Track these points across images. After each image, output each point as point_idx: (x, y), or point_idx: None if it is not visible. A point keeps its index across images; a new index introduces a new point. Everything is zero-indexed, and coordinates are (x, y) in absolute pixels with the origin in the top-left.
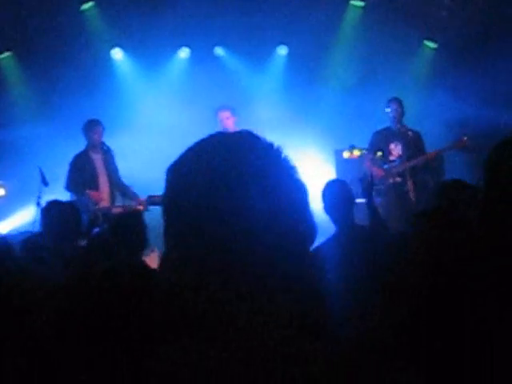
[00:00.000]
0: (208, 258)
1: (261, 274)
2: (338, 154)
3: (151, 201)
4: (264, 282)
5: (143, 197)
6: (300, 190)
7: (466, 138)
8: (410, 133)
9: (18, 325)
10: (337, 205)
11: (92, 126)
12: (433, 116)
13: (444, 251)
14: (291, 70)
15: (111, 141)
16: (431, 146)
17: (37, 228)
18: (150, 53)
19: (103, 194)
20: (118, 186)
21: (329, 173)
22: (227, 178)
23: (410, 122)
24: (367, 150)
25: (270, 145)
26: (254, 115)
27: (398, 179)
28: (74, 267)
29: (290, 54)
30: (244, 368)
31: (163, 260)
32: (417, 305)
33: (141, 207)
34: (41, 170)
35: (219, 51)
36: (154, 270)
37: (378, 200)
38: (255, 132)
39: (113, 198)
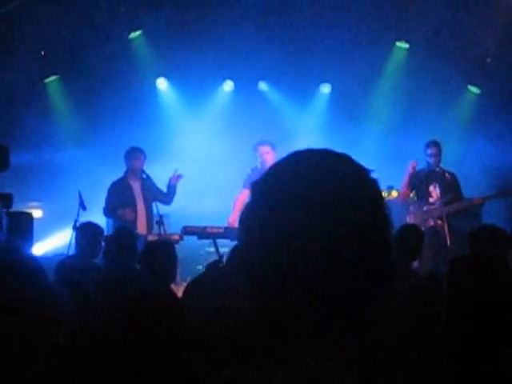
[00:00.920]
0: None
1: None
2: None
3: (186, 231)
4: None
5: (179, 227)
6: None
7: (507, 190)
8: (447, 175)
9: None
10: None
11: (134, 154)
12: (472, 161)
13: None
14: (333, 108)
15: (150, 169)
16: (468, 190)
17: (72, 251)
18: (194, 84)
19: (141, 219)
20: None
21: None
22: (317, 199)
23: (449, 165)
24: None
25: (365, 172)
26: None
27: (439, 222)
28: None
29: (332, 93)
30: None
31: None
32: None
33: (176, 237)
34: (80, 194)
35: (263, 86)
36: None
37: None
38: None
39: (150, 226)
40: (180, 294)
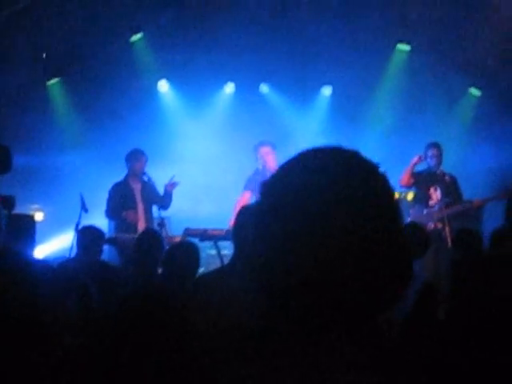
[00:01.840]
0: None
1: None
2: None
3: (188, 233)
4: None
5: (181, 229)
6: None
7: (507, 191)
8: (447, 177)
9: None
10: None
11: (136, 156)
12: (472, 163)
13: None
14: (334, 110)
15: (151, 171)
16: (469, 193)
17: (73, 254)
18: (195, 86)
19: (140, 222)
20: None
21: None
22: (330, 197)
23: (450, 167)
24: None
25: (376, 167)
26: (294, 153)
27: (440, 225)
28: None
29: (334, 95)
30: None
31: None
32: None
33: (178, 239)
34: (82, 197)
35: (264, 88)
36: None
37: None
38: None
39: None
40: None
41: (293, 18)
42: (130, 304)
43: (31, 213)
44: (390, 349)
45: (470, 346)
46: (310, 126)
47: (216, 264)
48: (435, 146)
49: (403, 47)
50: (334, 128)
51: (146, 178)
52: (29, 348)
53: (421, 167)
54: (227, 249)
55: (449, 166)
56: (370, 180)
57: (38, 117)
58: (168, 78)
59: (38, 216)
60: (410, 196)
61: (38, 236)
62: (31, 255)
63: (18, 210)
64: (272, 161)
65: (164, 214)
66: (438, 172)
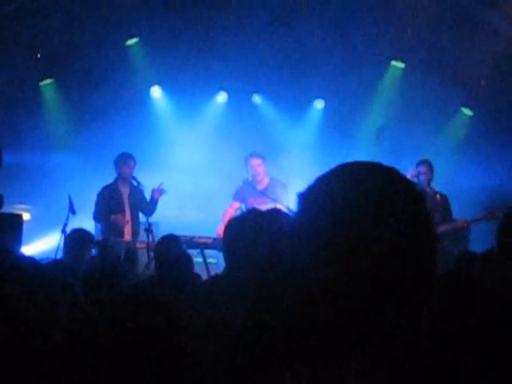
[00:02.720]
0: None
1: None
2: None
3: None
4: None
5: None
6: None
7: (493, 212)
8: (437, 196)
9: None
10: None
11: (124, 160)
12: (463, 182)
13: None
14: (326, 123)
15: (140, 176)
16: (458, 212)
17: (59, 255)
18: (188, 93)
19: (127, 226)
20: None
21: None
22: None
23: (440, 185)
24: None
25: (412, 185)
26: (284, 165)
27: None
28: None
29: (326, 109)
30: None
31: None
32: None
33: None
34: (70, 198)
35: (257, 99)
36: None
37: None
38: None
39: (135, 233)
40: None
41: (288, 30)
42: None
43: (18, 212)
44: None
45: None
46: (301, 138)
47: (202, 272)
48: (425, 163)
49: (397, 64)
50: (325, 142)
51: (135, 183)
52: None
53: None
54: (213, 257)
55: (438, 184)
56: (406, 196)
57: (30, 116)
58: (161, 84)
59: (25, 216)
60: None
61: (23, 236)
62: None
63: (5, 209)
64: (262, 172)
65: (151, 219)
66: (429, 190)
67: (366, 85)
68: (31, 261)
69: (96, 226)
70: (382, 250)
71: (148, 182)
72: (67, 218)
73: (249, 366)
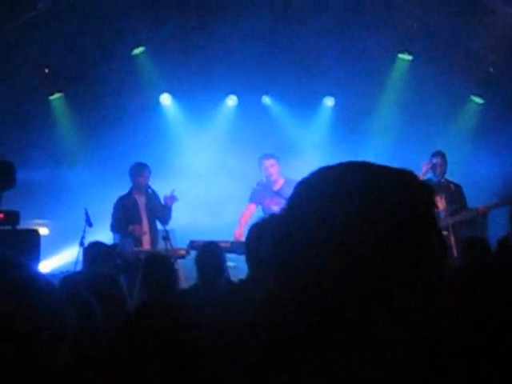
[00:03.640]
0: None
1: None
2: None
3: (193, 246)
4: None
5: (185, 242)
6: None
7: (498, 203)
8: (452, 186)
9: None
10: None
11: (139, 170)
12: (476, 170)
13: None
14: (337, 121)
15: (156, 185)
16: (473, 201)
17: (79, 268)
18: (197, 99)
19: (145, 235)
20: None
21: None
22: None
23: (453, 175)
24: None
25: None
26: (298, 165)
27: (445, 233)
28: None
29: (336, 106)
30: None
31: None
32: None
33: (183, 252)
34: (86, 211)
35: (266, 100)
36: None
37: None
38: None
39: (154, 241)
40: None
41: (294, 29)
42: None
43: (36, 228)
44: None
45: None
46: (313, 137)
47: None
48: (440, 154)
49: (405, 57)
50: (338, 139)
51: (150, 191)
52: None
53: (425, 177)
54: (232, 261)
55: (452, 174)
56: (389, 191)
57: (41, 132)
58: (170, 92)
59: (43, 231)
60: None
61: (42, 251)
62: (35, 269)
63: (23, 225)
64: (276, 173)
65: (168, 226)
66: (443, 181)
67: (374, 79)
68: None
69: (114, 237)
70: (370, 245)
71: (162, 189)
72: (84, 230)
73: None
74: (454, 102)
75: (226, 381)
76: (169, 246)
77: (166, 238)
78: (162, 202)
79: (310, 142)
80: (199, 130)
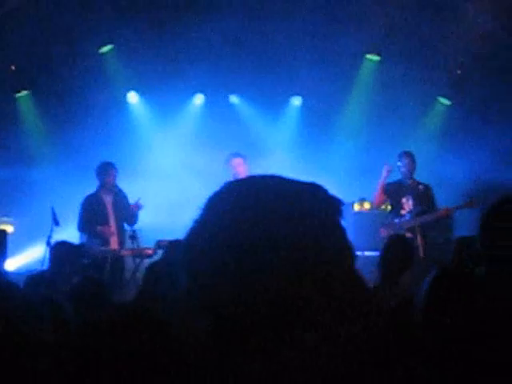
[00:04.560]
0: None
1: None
2: (347, 206)
3: (159, 245)
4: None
5: (152, 241)
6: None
7: (473, 200)
8: (420, 186)
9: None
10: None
11: (106, 169)
12: (444, 171)
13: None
14: (304, 120)
15: (123, 183)
16: (443, 200)
17: (45, 266)
18: (165, 97)
19: (113, 235)
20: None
21: None
22: (263, 218)
23: (421, 176)
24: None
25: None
26: (265, 164)
27: (409, 235)
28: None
29: (303, 105)
30: None
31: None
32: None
33: (150, 251)
34: (53, 210)
35: (234, 99)
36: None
37: None
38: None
39: (121, 241)
40: None
41: (262, 29)
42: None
43: (2, 227)
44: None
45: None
46: (280, 136)
47: None
48: (407, 154)
49: (372, 57)
50: (305, 138)
51: (117, 189)
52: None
53: (394, 177)
54: None
55: (420, 174)
56: (296, 203)
57: (7, 129)
58: (137, 90)
59: (8, 228)
60: (367, 205)
61: (8, 248)
62: (2, 268)
63: None
64: (243, 172)
65: (136, 226)
66: (411, 181)
67: (342, 79)
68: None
69: (81, 236)
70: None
71: (128, 188)
72: (51, 229)
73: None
74: (422, 103)
75: None
76: (136, 246)
77: (134, 237)
78: (130, 201)
79: (278, 142)
80: (166, 128)
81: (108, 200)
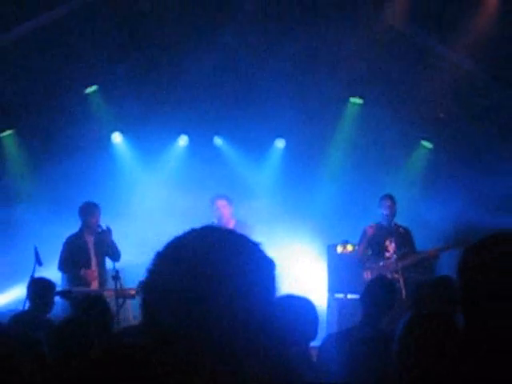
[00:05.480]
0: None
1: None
2: (331, 248)
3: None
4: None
5: (135, 282)
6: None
7: (454, 242)
8: (401, 229)
9: None
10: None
11: (90, 209)
12: (425, 214)
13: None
14: (288, 163)
15: (105, 223)
16: (422, 244)
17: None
18: (149, 138)
19: (95, 278)
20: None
21: (321, 267)
22: (203, 271)
23: (402, 218)
24: (359, 244)
25: (245, 241)
26: (249, 206)
27: (396, 275)
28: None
29: (287, 148)
30: None
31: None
32: None
33: (133, 291)
34: (36, 250)
35: (218, 141)
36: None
37: None
38: (246, 224)
39: (102, 282)
40: None
41: (246, 71)
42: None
43: None
44: None
45: None
46: (264, 179)
47: None
48: (389, 197)
49: (356, 101)
50: (289, 181)
51: (100, 229)
52: None
53: (375, 219)
54: None
55: (401, 217)
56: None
57: None
58: (122, 131)
59: None
60: (350, 247)
61: None
62: None
63: None
64: (228, 214)
65: (118, 266)
66: (392, 224)
67: (325, 122)
68: None
69: (62, 276)
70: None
71: (113, 229)
72: (34, 269)
73: None
74: (405, 146)
75: None
76: (119, 286)
77: (116, 277)
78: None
79: (262, 184)
80: (150, 169)
81: (90, 240)
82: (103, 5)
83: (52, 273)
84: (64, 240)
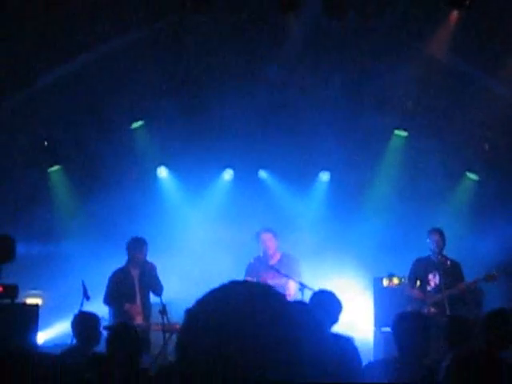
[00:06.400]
0: None
1: None
2: (377, 281)
3: None
4: None
5: (180, 316)
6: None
7: (495, 273)
8: (448, 262)
9: None
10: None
11: (138, 245)
12: (473, 246)
13: None
14: (333, 195)
15: (152, 258)
16: (473, 276)
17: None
18: (194, 173)
19: (139, 313)
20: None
21: (367, 300)
22: (236, 326)
23: (451, 251)
24: (407, 278)
25: (280, 297)
26: (294, 240)
27: (433, 310)
28: None
29: (332, 180)
30: None
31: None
32: None
33: (178, 326)
34: (83, 284)
35: (263, 174)
36: None
37: None
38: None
39: (146, 316)
40: None
41: (290, 104)
42: None
43: (29, 298)
44: None
45: None
46: (309, 212)
47: None
48: (437, 231)
49: (400, 133)
50: (333, 214)
51: (146, 265)
52: None
53: (420, 252)
54: None
55: (451, 250)
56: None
57: (39, 203)
58: (167, 165)
59: (37, 301)
60: (396, 280)
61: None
62: (34, 343)
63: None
64: (273, 247)
65: (166, 300)
66: (440, 257)
67: (370, 155)
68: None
69: (109, 310)
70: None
71: (158, 262)
72: (81, 303)
73: None
74: (450, 178)
75: None
76: (165, 321)
77: (163, 312)
78: (160, 276)
79: (307, 217)
80: (196, 203)
81: (136, 274)
82: (150, 41)
83: (99, 307)
84: (110, 274)
